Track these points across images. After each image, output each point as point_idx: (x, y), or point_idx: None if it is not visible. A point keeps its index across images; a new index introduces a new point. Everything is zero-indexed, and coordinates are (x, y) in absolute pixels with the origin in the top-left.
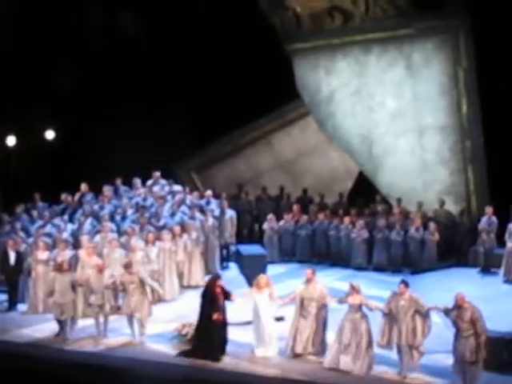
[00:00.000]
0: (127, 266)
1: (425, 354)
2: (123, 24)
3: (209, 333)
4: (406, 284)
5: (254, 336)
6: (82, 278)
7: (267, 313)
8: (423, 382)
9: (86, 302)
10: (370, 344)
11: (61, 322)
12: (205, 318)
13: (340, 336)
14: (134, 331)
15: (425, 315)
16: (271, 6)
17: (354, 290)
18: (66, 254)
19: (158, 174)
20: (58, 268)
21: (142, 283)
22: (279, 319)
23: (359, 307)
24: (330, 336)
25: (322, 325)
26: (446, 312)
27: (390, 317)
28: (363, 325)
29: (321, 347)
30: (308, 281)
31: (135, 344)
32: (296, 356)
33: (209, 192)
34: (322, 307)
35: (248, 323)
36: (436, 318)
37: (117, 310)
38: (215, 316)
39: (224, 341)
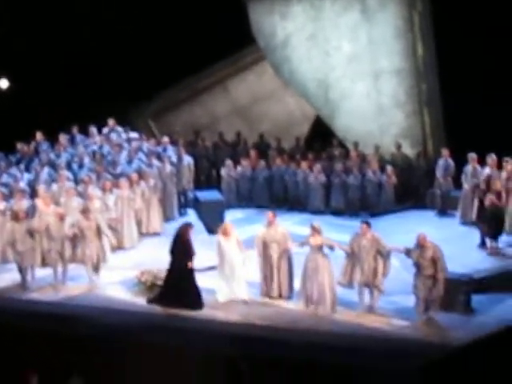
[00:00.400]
0: (84, 211)
1: (384, 292)
2: None
3: (186, 281)
4: (368, 224)
5: (219, 282)
6: (40, 226)
7: (237, 258)
8: (382, 320)
9: (45, 251)
10: (331, 284)
11: (22, 271)
12: (178, 266)
13: (304, 277)
14: (90, 276)
15: (386, 256)
16: None
17: (316, 230)
18: (22, 204)
19: (112, 121)
20: (15, 217)
21: (99, 229)
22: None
23: (320, 247)
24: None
25: (287, 268)
26: (407, 252)
27: (353, 256)
28: (325, 264)
29: (290, 291)
30: (269, 224)
31: (92, 289)
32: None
33: (166, 139)
34: (285, 251)
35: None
36: (394, 262)
37: (75, 257)
38: (190, 264)
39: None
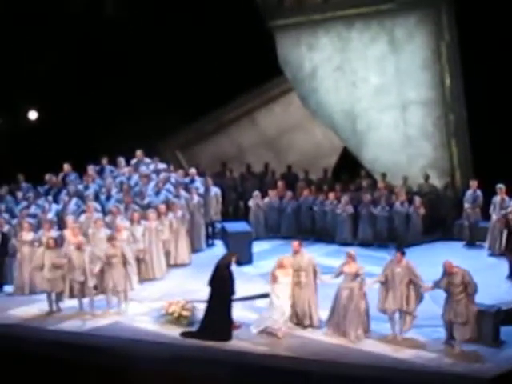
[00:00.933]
0: (110, 239)
1: (416, 319)
2: (105, 5)
3: (221, 311)
4: (402, 253)
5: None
6: (62, 258)
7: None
8: (409, 352)
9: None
10: (366, 311)
11: (49, 299)
12: (216, 296)
13: (336, 304)
14: (115, 303)
15: (418, 285)
16: None
17: (351, 258)
18: (51, 235)
19: (140, 152)
20: (46, 244)
21: (125, 257)
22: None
23: (355, 276)
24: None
25: (314, 296)
26: (437, 285)
27: (386, 284)
28: (360, 293)
29: (318, 321)
30: (295, 252)
31: (119, 314)
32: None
33: (193, 170)
34: (312, 277)
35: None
36: (425, 294)
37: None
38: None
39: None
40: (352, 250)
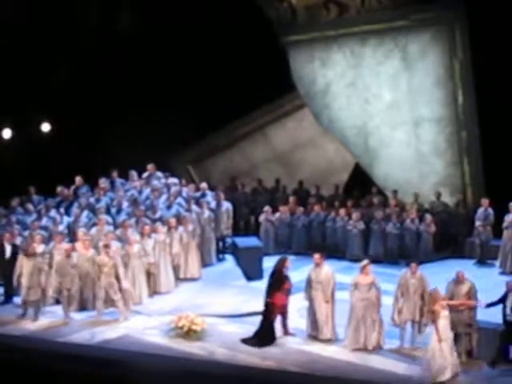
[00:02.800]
0: (106, 246)
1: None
2: (120, 21)
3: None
4: (418, 264)
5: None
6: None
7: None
8: (417, 369)
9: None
10: (381, 321)
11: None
12: (268, 299)
13: (353, 316)
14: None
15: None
16: None
17: (366, 269)
18: (62, 247)
19: (151, 166)
20: (25, 252)
21: (116, 268)
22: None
23: (371, 286)
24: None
25: (331, 310)
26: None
27: (401, 295)
28: (377, 302)
29: (333, 332)
30: (316, 265)
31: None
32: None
33: (204, 184)
34: (330, 292)
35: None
36: None
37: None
38: (281, 299)
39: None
40: (366, 261)
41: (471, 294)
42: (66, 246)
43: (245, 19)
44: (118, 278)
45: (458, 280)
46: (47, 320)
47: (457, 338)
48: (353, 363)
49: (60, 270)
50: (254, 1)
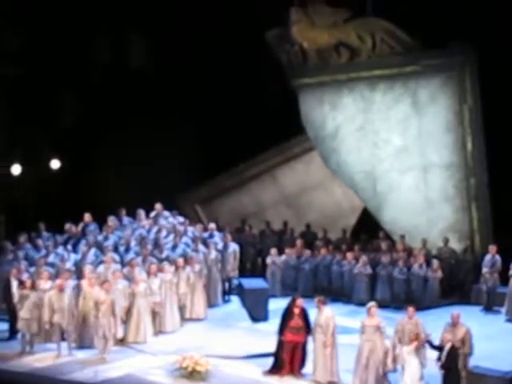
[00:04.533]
0: (104, 283)
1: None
2: (131, 55)
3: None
4: (415, 308)
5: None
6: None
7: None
8: None
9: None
10: (386, 364)
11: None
12: (279, 336)
13: (359, 358)
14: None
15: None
16: (278, 40)
17: (372, 311)
18: (68, 284)
19: (159, 205)
20: (23, 286)
21: (113, 305)
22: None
23: (378, 328)
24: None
25: (333, 353)
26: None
27: (398, 341)
28: (382, 346)
29: (336, 376)
30: (317, 309)
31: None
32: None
33: (212, 225)
34: (330, 335)
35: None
36: (432, 355)
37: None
38: (288, 337)
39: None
40: (372, 303)
41: (466, 339)
42: (58, 281)
43: (256, 61)
44: (114, 316)
45: (453, 322)
46: (51, 357)
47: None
48: None
49: (50, 305)
50: (264, 43)
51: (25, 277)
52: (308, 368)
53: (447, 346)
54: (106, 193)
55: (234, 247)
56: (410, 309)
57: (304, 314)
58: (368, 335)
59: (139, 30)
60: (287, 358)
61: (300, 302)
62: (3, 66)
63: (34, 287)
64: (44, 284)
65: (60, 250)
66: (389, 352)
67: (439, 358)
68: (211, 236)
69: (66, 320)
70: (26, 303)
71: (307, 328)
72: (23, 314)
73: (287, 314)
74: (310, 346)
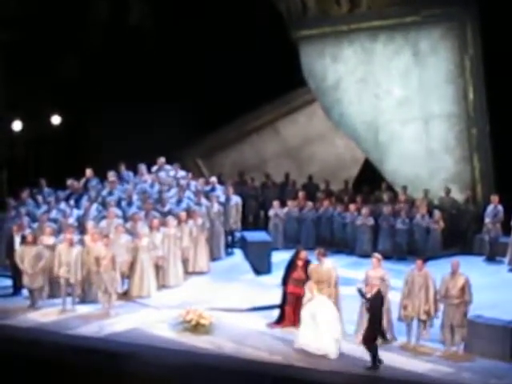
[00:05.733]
0: (104, 237)
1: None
2: (129, 14)
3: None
4: (424, 261)
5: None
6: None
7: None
8: (427, 366)
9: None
10: (389, 316)
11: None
12: (283, 288)
13: (363, 310)
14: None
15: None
16: None
17: (377, 262)
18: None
19: (162, 160)
20: (25, 240)
21: (114, 260)
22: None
23: (381, 280)
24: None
25: (337, 303)
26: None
27: (408, 292)
28: (386, 295)
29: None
30: (318, 261)
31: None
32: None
33: (214, 178)
34: (333, 287)
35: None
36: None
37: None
38: (290, 288)
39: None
40: (378, 255)
41: (466, 287)
42: (67, 235)
43: (256, 13)
44: (115, 270)
45: (453, 271)
46: (55, 312)
47: (452, 331)
48: (360, 358)
49: (59, 258)
50: None
51: (27, 232)
52: None
53: (374, 290)
54: (106, 148)
55: (236, 200)
56: (419, 261)
57: (307, 267)
58: (373, 287)
59: None
60: (289, 309)
61: (304, 254)
62: (4, 29)
63: (35, 242)
64: (47, 240)
65: (62, 205)
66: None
67: (367, 300)
68: (213, 189)
69: (72, 274)
70: (27, 258)
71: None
72: (27, 268)
73: (290, 266)
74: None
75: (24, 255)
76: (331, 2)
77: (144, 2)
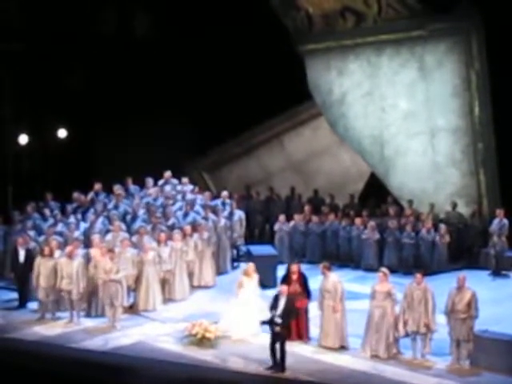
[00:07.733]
0: (108, 251)
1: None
2: (136, 26)
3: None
4: (423, 274)
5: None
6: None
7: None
8: (430, 380)
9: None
10: (395, 330)
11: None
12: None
13: (370, 324)
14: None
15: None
16: (283, 6)
17: (384, 277)
18: (77, 253)
19: (169, 173)
20: (41, 253)
21: (119, 273)
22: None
23: (387, 294)
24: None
25: (342, 318)
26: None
27: (407, 306)
28: (393, 311)
29: (345, 341)
30: (323, 275)
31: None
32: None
33: (225, 193)
34: (338, 301)
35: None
36: (442, 320)
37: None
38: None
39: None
40: (385, 269)
41: (472, 302)
42: (69, 248)
43: (263, 28)
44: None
45: (459, 286)
46: (61, 325)
47: (458, 346)
48: (365, 372)
49: (60, 272)
50: (271, 9)
51: (31, 246)
52: (313, 333)
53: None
54: (112, 161)
55: (239, 214)
56: (418, 275)
57: (302, 280)
58: (378, 301)
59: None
60: (293, 323)
61: (295, 267)
62: (10, 41)
63: (51, 255)
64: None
65: (71, 218)
66: (399, 318)
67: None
68: (223, 204)
69: (74, 287)
70: (43, 271)
71: (306, 293)
72: (41, 281)
73: (285, 282)
74: (314, 312)
75: (41, 268)
76: (337, 16)
77: (151, 14)
